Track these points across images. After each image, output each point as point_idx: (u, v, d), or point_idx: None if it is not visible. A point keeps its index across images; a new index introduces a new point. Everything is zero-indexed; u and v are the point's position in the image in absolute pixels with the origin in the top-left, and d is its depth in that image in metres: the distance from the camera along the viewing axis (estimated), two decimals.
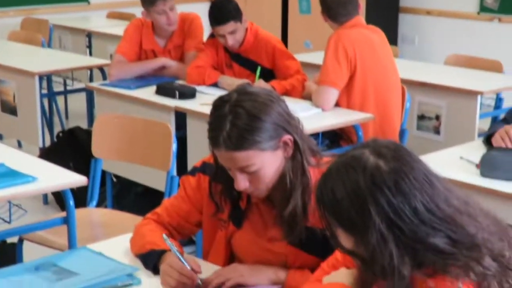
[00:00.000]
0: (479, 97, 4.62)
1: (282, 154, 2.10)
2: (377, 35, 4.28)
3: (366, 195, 1.57)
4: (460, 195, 1.67)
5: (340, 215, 1.62)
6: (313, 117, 3.99)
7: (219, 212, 2.27)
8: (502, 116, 3.41)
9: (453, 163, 3.22)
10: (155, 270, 2.20)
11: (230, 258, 2.34)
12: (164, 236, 2.16)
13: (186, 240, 3.84)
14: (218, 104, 2.08)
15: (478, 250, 1.56)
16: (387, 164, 1.59)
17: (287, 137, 2.08)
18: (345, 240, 1.65)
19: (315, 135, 4.02)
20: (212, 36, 4.61)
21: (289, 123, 2.10)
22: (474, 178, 3.03)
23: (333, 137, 4.19)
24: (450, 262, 1.55)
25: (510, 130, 3.13)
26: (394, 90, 4.27)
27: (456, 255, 1.55)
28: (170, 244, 2.12)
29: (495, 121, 3.42)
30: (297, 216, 2.09)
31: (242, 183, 2.09)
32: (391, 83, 4.26)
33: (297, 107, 3.99)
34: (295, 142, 2.10)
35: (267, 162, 2.06)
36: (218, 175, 2.20)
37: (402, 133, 4.36)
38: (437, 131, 4.82)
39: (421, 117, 4.89)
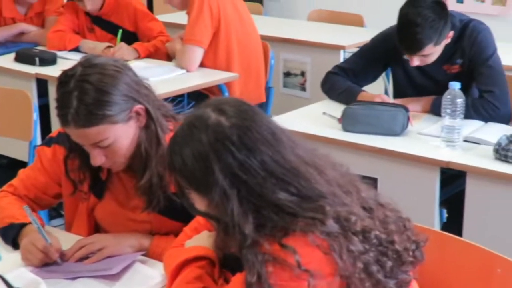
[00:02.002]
0: (341, 51, 4.71)
1: (135, 124, 2.06)
2: None
3: (209, 152, 1.57)
4: (307, 147, 1.69)
5: (189, 177, 1.61)
6: (178, 79, 3.96)
7: (77, 190, 2.22)
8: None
9: (316, 118, 3.28)
10: (15, 244, 2.14)
11: (95, 228, 2.30)
12: (26, 208, 2.09)
13: (55, 213, 3.76)
14: (63, 80, 2.01)
15: (322, 212, 1.57)
16: (228, 120, 1.60)
17: (138, 107, 2.04)
18: (199, 202, 1.65)
19: (181, 97, 4.00)
20: None
21: (138, 92, 2.06)
22: (336, 132, 3.10)
23: (199, 98, 4.17)
24: (292, 225, 1.56)
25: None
26: (256, 48, 4.28)
27: (298, 217, 1.56)
28: (33, 217, 2.06)
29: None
30: (154, 186, 2.07)
31: (98, 158, 2.04)
32: (253, 40, 4.26)
33: (161, 70, 3.99)
34: (147, 111, 2.07)
35: (120, 135, 2.02)
36: (73, 152, 2.15)
37: (268, 91, 4.39)
38: (303, 87, 4.88)
39: (287, 74, 4.93)
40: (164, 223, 2.17)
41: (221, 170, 1.56)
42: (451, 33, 3.16)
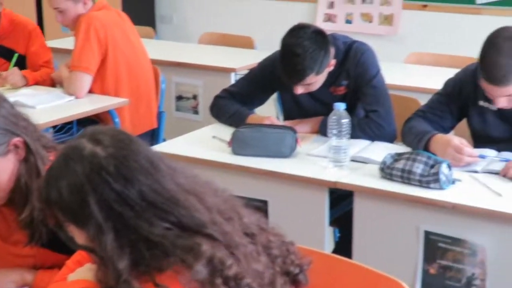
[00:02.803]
0: (232, 74, 4.74)
1: (14, 158, 2.00)
2: (122, 17, 4.25)
3: (85, 184, 1.54)
4: (188, 174, 1.68)
5: (65, 210, 1.58)
6: (66, 106, 3.90)
7: None
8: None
9: (207, 142, 3.27)
10: None
11: None
12: None
13: None
14: None
15: (196, 252, 1.53)
16: (104, 150, 1.57)
17: (16, 140, 1.99)
18: (78, 235, 1.61)
19: (70, 124, 3.94)
20: None
21: (16, 125, 2.00)
22: (226, 156, 3.10)
23: (89, 125, 4.08)
24: (164, 264, 1.53)
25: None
26: (146, 72, 4.27)
27: (170, 256, 1.53)
28: None
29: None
30: (35, 219, 2.02)
31: None
32: (142, 65, 4.25)
33: (49, 97, 3.93)
34: (26, 144, 2.02)
35: None
36: None
37: (160, 115, 4.37)
38: (195, 111, 4.88)
39: (179, 98, 4.93)
40: (48, 256, 2.12)
41: (96, 203, 1.53)
42: (333, 62, 3.22)
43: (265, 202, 2.99)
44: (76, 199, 1.55)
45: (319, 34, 3.16)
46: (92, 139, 1.60)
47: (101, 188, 1.54)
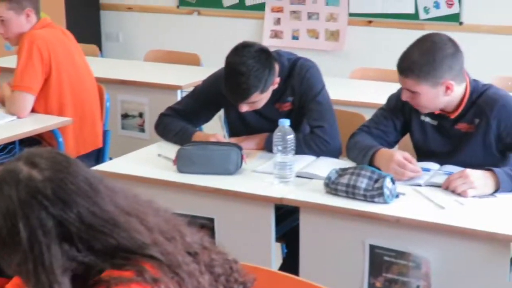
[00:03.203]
0: (179, 91, 4.72)
1: None
2: (67, 35, 4.21)
3: (18, 210, 1.50)
4: (128, 194, 1.65)
5: None
6: (8, 125, 3.85)
7: None
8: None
9: (152, 160, 3.25)
10: None
11: None
12: None
13: None
14: None
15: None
16: (41, 173, 1.53)
17: None
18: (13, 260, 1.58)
19: (12, 144, 3.88)
20: None
21: None
22: (171, 174, 3.07)
23: (32, 145, 4.04)
24: None
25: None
26: (91, 91, 4.23)
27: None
28: None
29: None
30: None
31: None
32: (87, 84, 4.20)
33: None
34: None
35: None
36: None
37: (105, 134, 4.33)
38: (142, 129, 4.85)
39: (125, 116, 4.89)
40: None
41: (26, 230, 1.49)
42: (278, 80, 3.23)
43: (211, 220, 2.98)
44: (6, 225, 1.51)
45: (264, 52, 3.17)
46: (28, 162, 1.55)
47: (36, 213, 1.50)
